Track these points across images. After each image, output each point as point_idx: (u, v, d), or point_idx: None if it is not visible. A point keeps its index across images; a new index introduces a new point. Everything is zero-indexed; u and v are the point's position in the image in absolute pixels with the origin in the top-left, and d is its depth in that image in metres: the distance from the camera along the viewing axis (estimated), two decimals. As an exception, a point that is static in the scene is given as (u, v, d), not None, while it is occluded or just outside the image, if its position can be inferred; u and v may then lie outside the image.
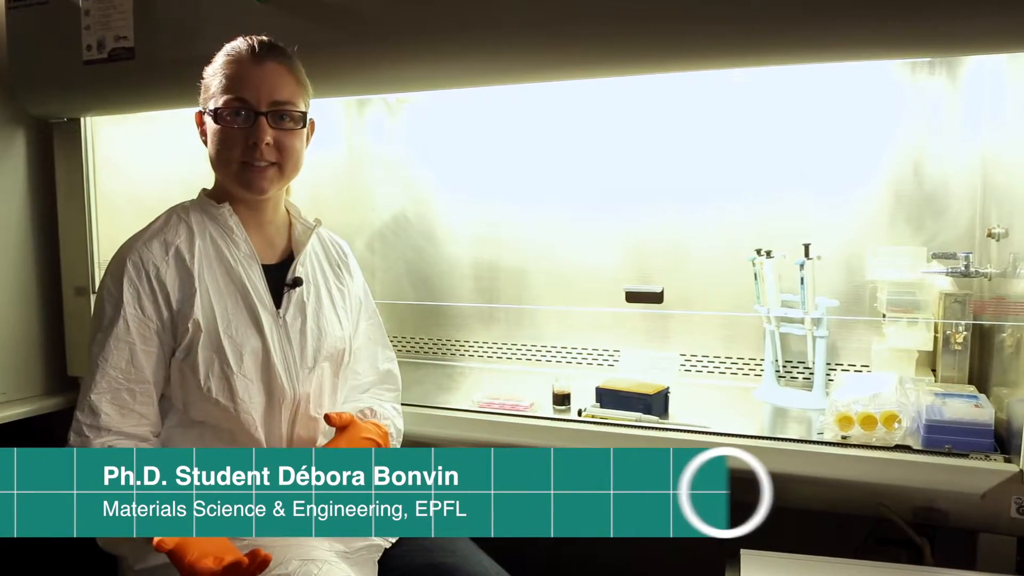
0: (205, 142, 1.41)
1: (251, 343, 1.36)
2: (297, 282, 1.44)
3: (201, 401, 1.34)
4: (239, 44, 1.38)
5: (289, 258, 1.47)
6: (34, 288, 2.03)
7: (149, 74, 1.77)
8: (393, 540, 1.45)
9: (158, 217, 1.42)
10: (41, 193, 2.03)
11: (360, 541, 1.40)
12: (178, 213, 1.42)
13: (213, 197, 1.44)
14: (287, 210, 1.51)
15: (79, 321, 2.00)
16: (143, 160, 2.05)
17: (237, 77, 1.35)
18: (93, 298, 1.97)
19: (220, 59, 1.38)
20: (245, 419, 1.35)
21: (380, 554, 1.43)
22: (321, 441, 1.44)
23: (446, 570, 1.38)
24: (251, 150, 1.34)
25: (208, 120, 1.38)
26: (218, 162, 1.39)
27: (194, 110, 1.43)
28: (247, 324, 1.37)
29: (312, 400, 1.43)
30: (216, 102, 1.35)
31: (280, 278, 1.43)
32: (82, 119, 1.95)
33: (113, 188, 2.01)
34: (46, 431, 2.02)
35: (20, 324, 2.01)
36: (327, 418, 1.37)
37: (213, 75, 1.38)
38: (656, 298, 1.79)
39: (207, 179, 1.47)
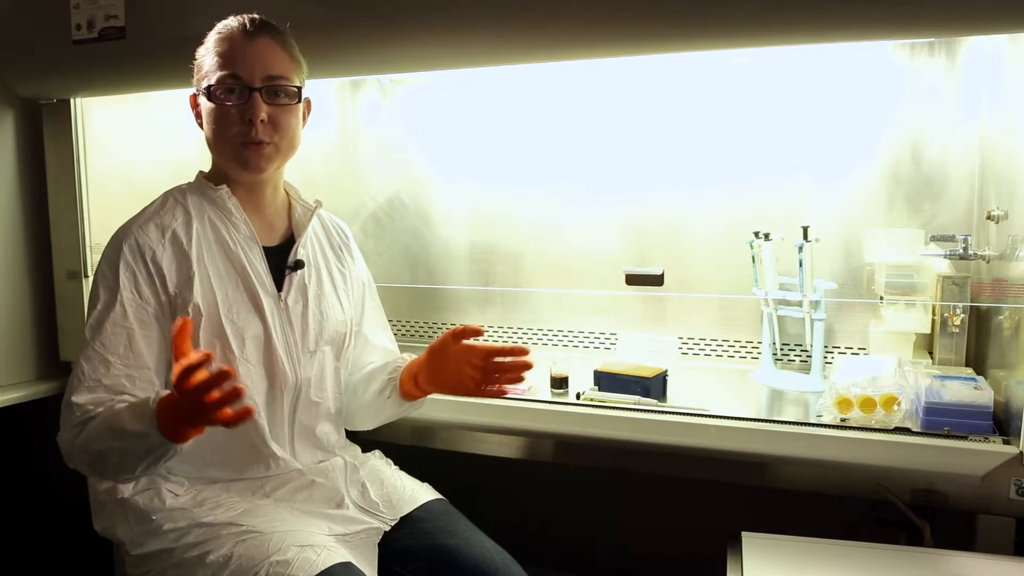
0: (201, 124, 1.39)
1: (253, 327, 1.35)
2: (298, 265, 1.42)
3: None
4: (230, 22, 1.36)
5: (289, 240, 1.45)
6: (25, 272, 2.01)
7: (140, 54, 1.75)
8: (393, 523, 1.44)
9: (154, 200, 1.40)
10: (31, 176, 2.00)
11: (359, 524, 1.40)
12: (174, 196, 1.40)
13: (211, 179, 1.42)
14: (286, 192, 1.49)
15: (71, 305, 1.98)
16: (135, 142, 2.03)
17: (230, 54, 1.33)
18: (86, 282, 1.95)
19: (212, 37, 1.36)
20: (247, 404, 1.33)
21: (380, 537, 1.42)
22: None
23: (447, 552, 1.38)
24: (247, 128, 1.32)
25: (202, 100, 1.36)
26: (214, 142, 1.37)
27: (187, 91, 1.41)
28: (248, 308, 1.35)
29: (313, 384, 1.42)
30: (209, 80, 1.33)
31: (281, 261, 1.42)
32: (72, 100, 1.92)
33: (105, 170, 1.98)
34: (38, 417, 1.99)
35: (11, 309, 1.98)
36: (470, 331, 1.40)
37: (205, 54, 1.36)
38: (656, 280, 1.78)
39: (200, 161, 1.45)
